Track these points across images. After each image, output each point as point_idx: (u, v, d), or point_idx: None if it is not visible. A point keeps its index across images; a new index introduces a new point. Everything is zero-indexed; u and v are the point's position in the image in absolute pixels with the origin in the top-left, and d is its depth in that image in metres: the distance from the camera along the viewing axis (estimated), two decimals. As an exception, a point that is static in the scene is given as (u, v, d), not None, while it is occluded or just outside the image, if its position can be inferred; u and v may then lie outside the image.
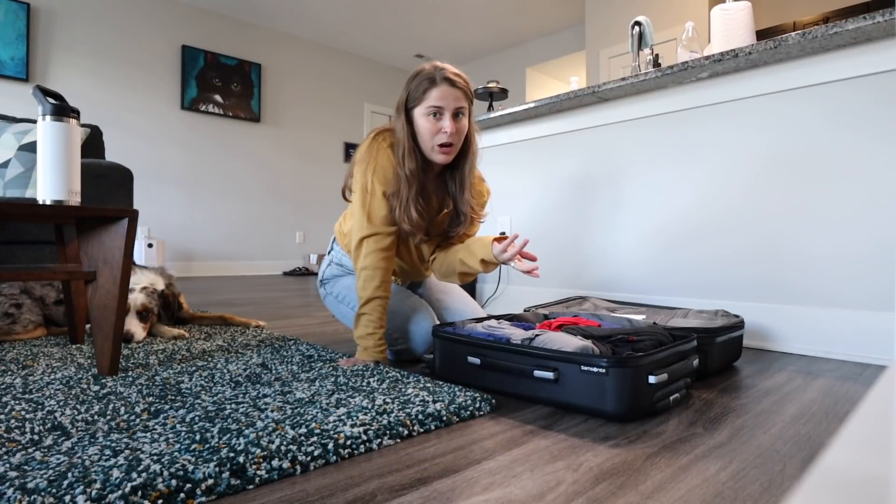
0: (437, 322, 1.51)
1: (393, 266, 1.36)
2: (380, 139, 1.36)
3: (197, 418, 0.88)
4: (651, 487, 0.70)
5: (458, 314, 1.59)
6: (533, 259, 1.29)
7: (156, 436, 0.80)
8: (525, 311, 1.62)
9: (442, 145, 1.30)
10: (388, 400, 0.98)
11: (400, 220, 1.33)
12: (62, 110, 1.17)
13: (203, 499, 0.65)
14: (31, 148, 1.79)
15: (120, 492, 0.61)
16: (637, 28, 2.24)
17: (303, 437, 0.78)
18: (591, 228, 2.20)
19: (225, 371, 1.23)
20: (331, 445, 0.78)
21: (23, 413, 0.90)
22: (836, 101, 1.56)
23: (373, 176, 1.33)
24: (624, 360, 0.96)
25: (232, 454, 0.71)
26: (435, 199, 1.42)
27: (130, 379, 1.16)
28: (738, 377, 1.31)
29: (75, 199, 1.20)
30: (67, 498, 0.59)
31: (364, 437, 0.82)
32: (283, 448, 0.75)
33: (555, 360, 1.02)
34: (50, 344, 1.58)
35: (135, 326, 1.61)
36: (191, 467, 0.67)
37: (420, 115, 1.31)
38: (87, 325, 1.75)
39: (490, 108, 3.03)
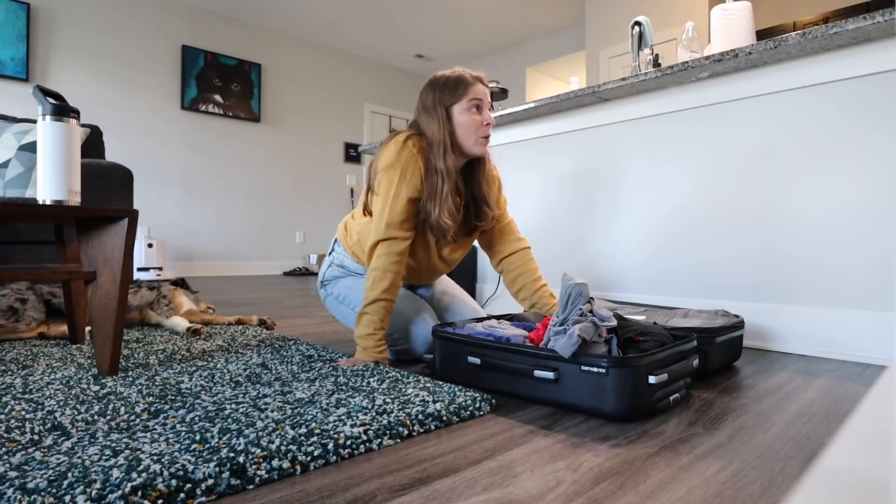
0: (438, 323, 1.51)
1: (403, 271, 1.36)
2: (409, 144, 1.35)
3: (197, 418, 0.88)
4: (651, 487, 0.70)
5: (458, 314, 1.59)
6: None
7: (156, 436, 0.80)
8: (525, 311, 1.62)
9: (484, 136, 1.39)
10: (388, 400, 0.98)
11: (438, 219, 1.34)
12: (62, 110, 1.17)
13: (203, 499, 0.65)
14: (31, 148, 1.79)
15: (120, 492, 0.61)
16: (637, 28, 2.24)
17: (303, 437, 0.78)
18: (592, 228, 2.20)
19: (225, 371, 1.23)
20: (331, 445, 0.78)
21: (23, 413, 0.90)
22: (837, 101, 1.56)
23: (400, 181, 1.33)
24: (624, 360, 0.96)
25: (232, 454, 0.71)
26: (458, 198, 1.45)
27: (130, 379, 1.16)
28: (738, 377, 1.31)
29: (75, 199, 1.20)
30: (67, 498, 0.59)
31: (364, 437, 0.82)
32: (283, 448, 0.75)
33: (555, 359, 1.02)
34: (50, 344, 1.58)
35: None
36: (191, 467, 0.67)
37: (461, 110, 1.37)
38: (88, 329, 1.75)
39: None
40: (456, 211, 1.39)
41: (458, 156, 1.41)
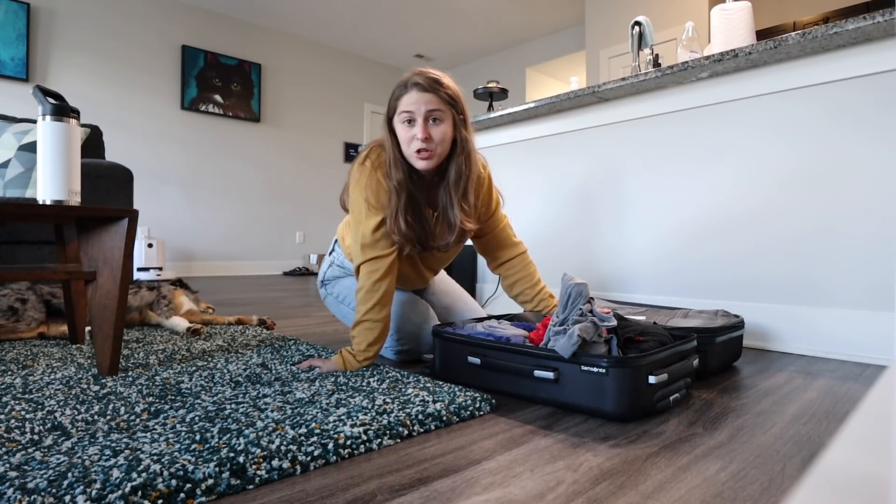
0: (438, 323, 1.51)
1: (391, 286, 1.31)
2: (367, 163, 1.31)
3: (197, 418, 0.88)
4: (651, 487, 0.70)
5: (459, 314, 1.59)
6: None
7: (156, 436, 0.80)
8: (525, 311, 1.62)
9: (419, 151, 1.24)
10: (388, 400, 0.98)
11: (391, 232, 1.28)
12: (62, 110, 1.17)
13: (203, 499, 0.65)
14: (31, 148, 1.79)
15: (120, 492, 0.61)
16: (637, 28, 2.24)
17: (303, 437, 0.78)
18: (591, 228, 2.20)
19: (225, 371, 1.23)
20: (331, 445, 0.78)
21: (23, 413, 0.90)
22: (836, 101, 1.56)
23: (365, 203, 1.29)
24: (624, 360, 0.96)
25: (232, 454, 0.71)
26: (430, 210, 1.37)
27: (130, 379, 1.16)
28: (738, 377, 1.31)
29: (75, 199, 1.20)
30: (67, 498, 0.59)
31: (364, 437, 0.82)
32: (283, 448, 0.75)
33: (555, 359, 1.02)
34: (50, 344, 1.58)
35: None
36: (191, 467, 0.67)
37: (397, 123, 1.27)
38: (88, 329, 1.75)
39: (490, 108, 3.03)
40: (414, 225, 1.29)
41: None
